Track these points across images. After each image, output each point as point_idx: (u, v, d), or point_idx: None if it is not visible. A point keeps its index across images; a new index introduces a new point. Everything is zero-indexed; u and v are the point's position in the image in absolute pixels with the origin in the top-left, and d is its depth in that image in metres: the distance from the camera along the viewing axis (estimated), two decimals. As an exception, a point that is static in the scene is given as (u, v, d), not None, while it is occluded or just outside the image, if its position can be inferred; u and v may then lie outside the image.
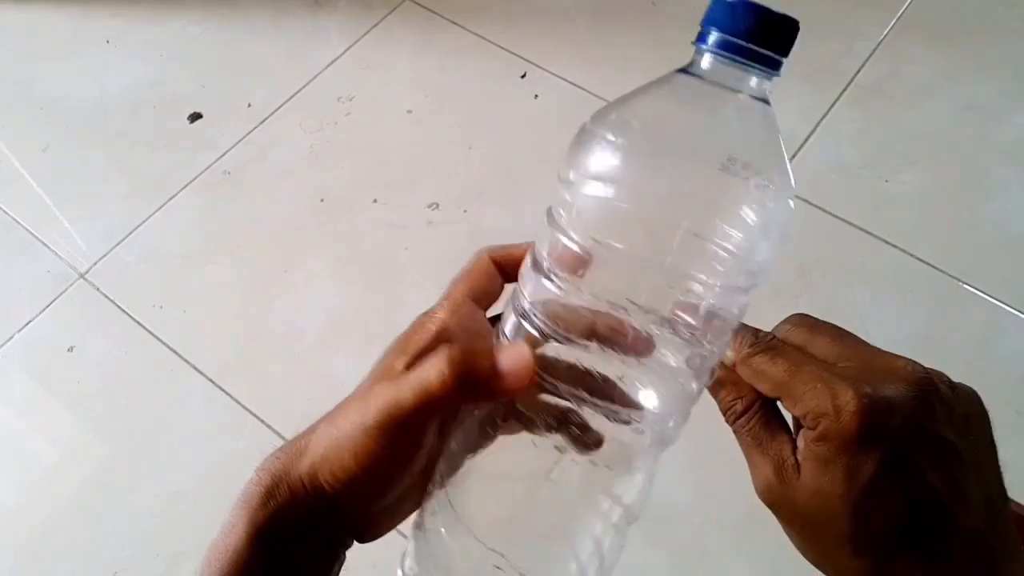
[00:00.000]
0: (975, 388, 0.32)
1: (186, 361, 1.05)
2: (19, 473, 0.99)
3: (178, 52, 1.37)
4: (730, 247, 0.27)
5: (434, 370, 0.29)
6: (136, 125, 1.28)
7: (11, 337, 1.08)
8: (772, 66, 0.28)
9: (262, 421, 0.97)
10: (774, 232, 0.28)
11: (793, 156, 1.17)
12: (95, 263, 1.14)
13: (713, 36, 0.27)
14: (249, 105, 1.29)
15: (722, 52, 0.27)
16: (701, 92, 0.28)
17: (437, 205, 1.16)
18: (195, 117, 1.28)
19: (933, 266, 1.05)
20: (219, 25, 1.40)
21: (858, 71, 1.25)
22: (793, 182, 0.29)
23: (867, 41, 1.28)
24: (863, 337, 0.33)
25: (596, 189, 0.28)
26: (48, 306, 1.11)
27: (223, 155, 1.24)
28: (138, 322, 1.08)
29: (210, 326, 1.08)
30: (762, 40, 0.28)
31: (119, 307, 1.10)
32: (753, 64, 0.28)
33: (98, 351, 1.07)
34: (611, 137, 0.28)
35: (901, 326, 0.99)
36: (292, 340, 1.06)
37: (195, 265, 1.13)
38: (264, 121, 1.27)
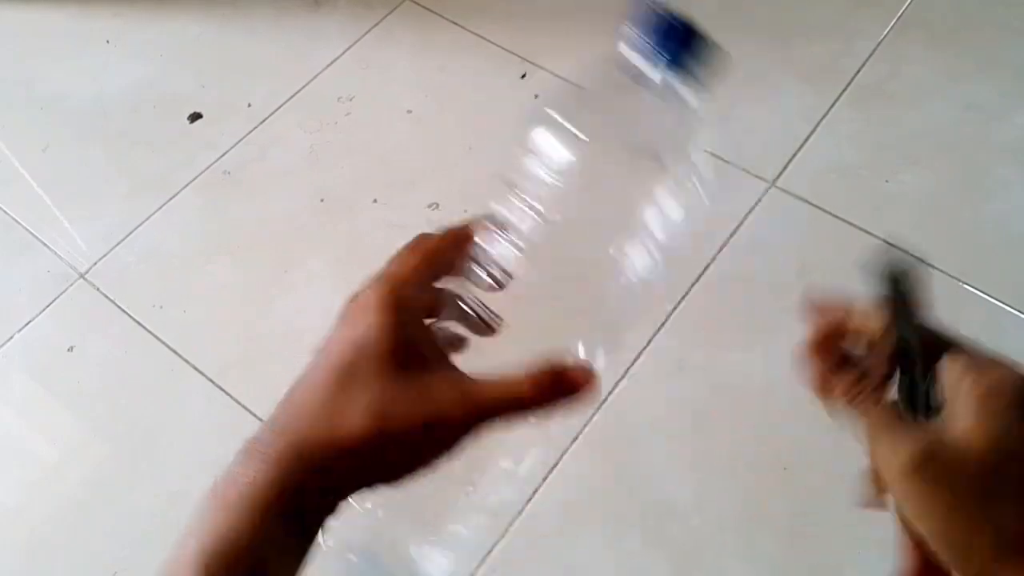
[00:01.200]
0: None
1: (186, 361, 1.05)
2: (19, 473, 0.99)
3: (178, 52, 1.37)
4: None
5: (526, 383, 0.31)
6: (136, 125, 1.28)
7: (11, 337, 1.08)
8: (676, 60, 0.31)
9: (262, 421, 0.97)
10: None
11: (793, 156, 1.17)
12: (95, 263, 1.14)
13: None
14: (249, 105, 1.29)
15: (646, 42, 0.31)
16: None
17: (437, 205, 1.16)
18: (195, 117, 1.28)
19: (933, 266, 1.05)
20: (219, 25, 1.40)
21: (858, 71, 1.25)
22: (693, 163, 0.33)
23: (867, 41, 1.28)
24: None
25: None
26: (48, 306, 1.11)
27: (223, 155, 1.24)
28: (138, 322, 1.08)
29: (210, 326, 1.08)
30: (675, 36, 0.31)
31: (119, 307, 1.10)
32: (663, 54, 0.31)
33: (98, 351, 1.07)
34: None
35: (901, 326, 0.99)
36: (292, 340, 1.06)
37: (195, 265, 1.13)
38: (264, 121, 1.27)
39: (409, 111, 1.27)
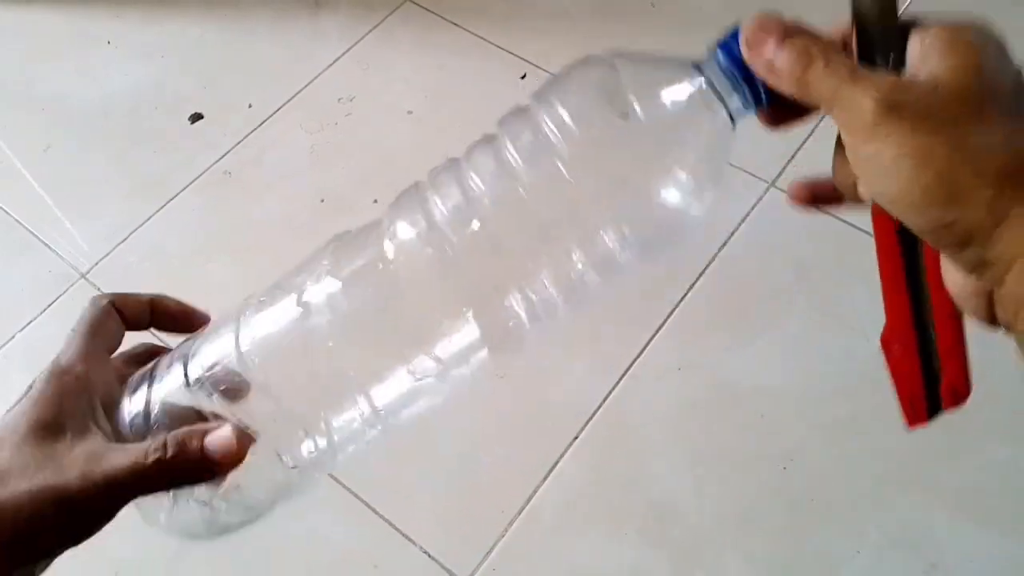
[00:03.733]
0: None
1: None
2: (20, 473, 0.99)
3: (179, 53, 1.37)
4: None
5: (151, 452, 0.31)
6: (137, 126, 1.29)
7: (12, 337, 1.09)
8: (756, 101, 0.30)
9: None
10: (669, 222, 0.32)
11: (792, 156, 1.17)
12: (96, 263, 1.14)
13: (726, 54, 0.29)
14: (250, 106, 1.29)
15: (730, 69, 0.29)
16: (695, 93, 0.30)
17: (437, 205, 1.16)
18: (196, 118, 1.29)
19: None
20: (220, 26, 1.40)
21: (858, 71, 1.25)
22: (710, 194, 0.32)
23: (867, 41, 1.28)
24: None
25: None
26: (49, 306, 1.11)
27: (224, 155, 1.24)
28: (139, 322, 1.08)
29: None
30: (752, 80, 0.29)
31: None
32: (745, 91, 0.30)
33: (99, 351, 1.07)
34: None
35: (901, 326, 0.99)
36: (292, 340, 1.06)
37: (196, 265, 1.13)
38: (265, 122, 1.27)
39: (409, 111, 1.27)
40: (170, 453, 0.31)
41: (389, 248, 0.36)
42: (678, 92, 0.30)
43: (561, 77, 0.32)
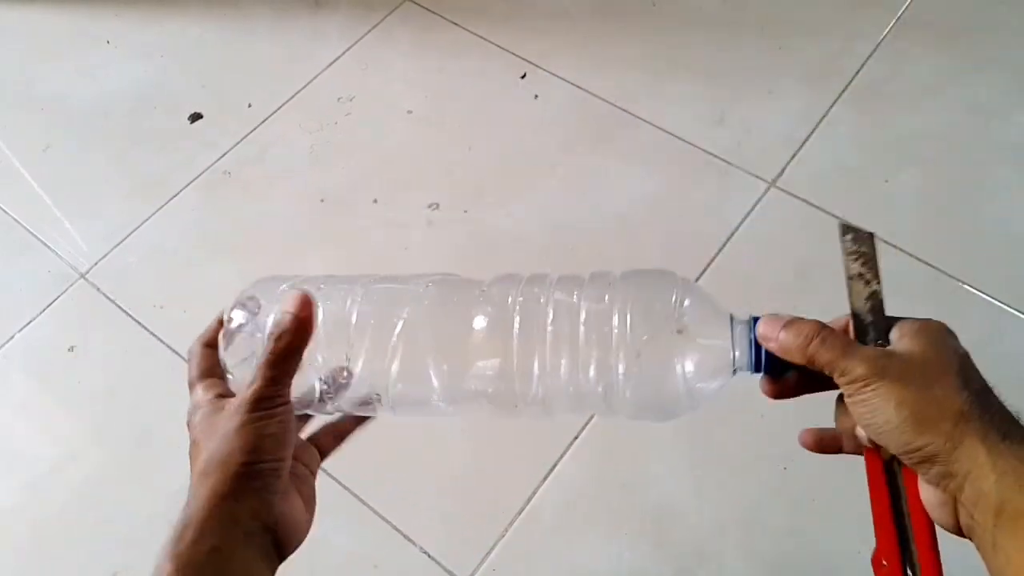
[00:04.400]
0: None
1: (186, 361, 1.05)
2: (18, 473, 0.99)
3: (178, 53, 1.37)
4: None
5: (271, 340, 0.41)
6: (137, 125, 1.28)
7: (12, 337, 1.08)
8: (757, 367, 0.41)
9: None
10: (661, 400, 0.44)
11: (792, 156, 1.17)
12: (96, 263, 1.14)
13: (746, 361, 0.42)
14: (249, 105, 1.29)
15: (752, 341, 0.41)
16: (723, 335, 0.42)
17: (437, 205, 1.16)
18: (195, 117, 1.29)
19: (933, 266, 1.05)
20: (219, 26, 1.40)
21: (858, 71, 1.25)
22: (694, 407, 0.44)
23: (867, 41, 1.28)
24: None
25: None
26: (49, 306, 1.11)
27: (223, 155, 1.24)
28: (138, 322, 1.08)
29: (210, 326, 1.08)
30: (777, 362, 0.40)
31: (119, 307, 1.10)
32: (752, 357, 0.41)
33: (98, 351, 1.07)
34: None
35: (901, 326, 0.99)
36: (292, 340, 1.06)
37: (196, 265, 1.13)
38: (264, 121, 1.27)
39: (409, 111, 1.27)
40: (276, 331, 0.40)
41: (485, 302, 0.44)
42: (716, 333, 0.42)
43: (648, 276, 0.44)
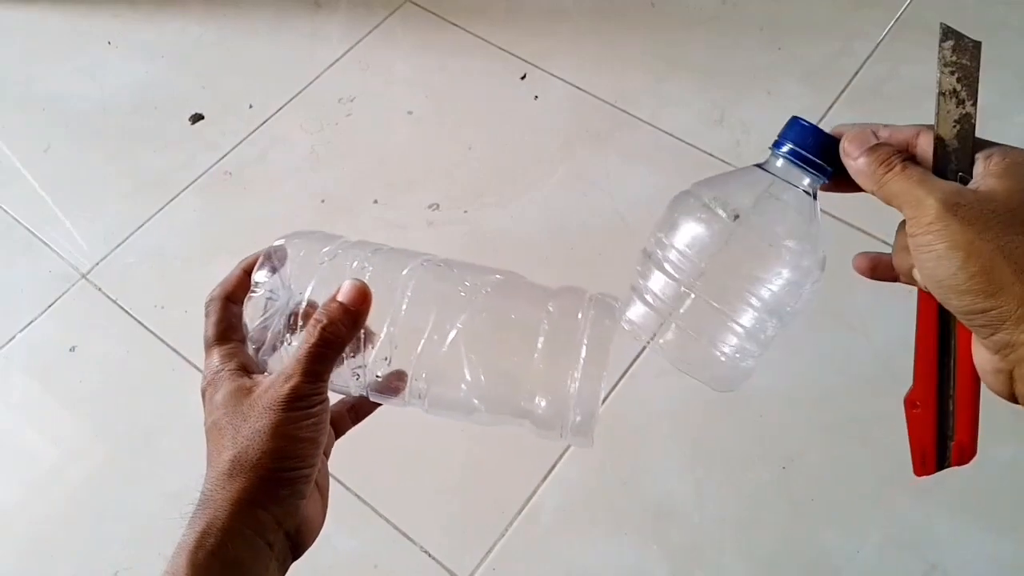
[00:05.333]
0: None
1: (187, 361, 1.05)
2: (19, 473, 0.99)
3: (179, 53, 1.37)
4: (755, 293, 0.37)
5: (311, 328, 0.37)
6: (137, 126, 1.29)
7: (13, 337, 1.09)
8: (823, 174, 0.37)
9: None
10: (796, 284, 0.37)
11: (793, 156, 1.17)
12: (97, 263, 1.14)
13: (787, 146, 0.37)
14: (250, 106, 1.29)
15: (792, 158, 0.37)
16: (770, 182, 0.37)
17: (437, 205, 1.16)
18: (196, 118, 1.29)
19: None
20: (220, 26, 1.40)
21: (857, 71, 1.25)
22: (820, 265, 0.37)
23: (866, 41, 1.28)
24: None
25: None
26: (50, 306, 1.11)
27: (224, 156, 1.24)
28: (140, 322, 1.08)
29: (211, 326, 1.08)
30: (820, 154, 0.37)
31: (121, 307, 1.10)
32: (810, 169, 0.37)
33: (99, 351, 1.07)
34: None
35: (901, 327, 0.99)
36: (293, 340, 1.06)
37: (196, 265, 1.13)
38: (265, 122, 1.27)
39: (409, 112, 1.27)
40: (325, 320, 0.36)
41: (551, 308, 0.42)
42: (760, 188, 0.37)
43: (669, 216, 0.40)
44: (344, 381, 0.42)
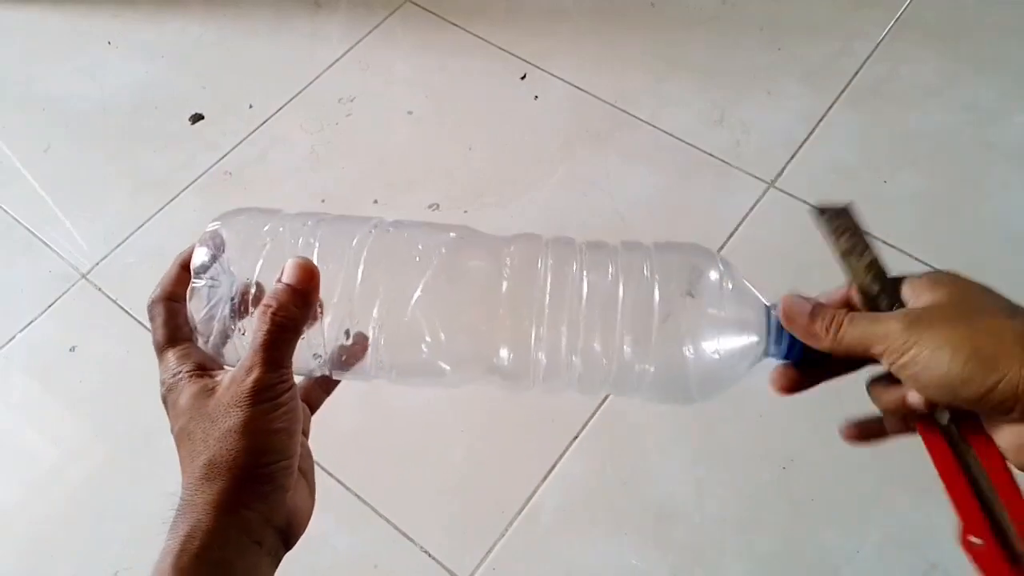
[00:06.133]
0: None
1: (150, 320, 1.05)
2: (19, 473, 0.99)
3: (179, 53, 1.37)
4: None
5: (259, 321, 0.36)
6: (137, 126, 1.29)
7: (13, 337, 1.09)
8: (788, 355, 0.38)
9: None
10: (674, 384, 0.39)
11: (792, 157, 1.17)
12: (97, 263, 1.14)
13: (781, 349, 0.38)
14: (250, 106, 1.29)
15: (776, 352, 0.38)
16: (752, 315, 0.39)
17: (437, 205, 1.16)
18: (196, 118, 1.29)
19: (932, 266, 1.05)
20: (220, 26, 1.40)
21: (857, 72, 1.25)
22: (708, 394, 0.39)
23: (866, 42, 1.28)
24: None
25: None
26: (50, 306, 1.11)
27: (224, 156, 1.24)
28: (140, 322, 1.08)
29: (211, 326, 1.08)
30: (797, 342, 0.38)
31: (121, 307, 1.10)
32: (782, 344, 0.38)
33: (99, 351, 1.07)
34: None
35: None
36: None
37: (196, 265, 1.13)
38: (265, 122, 1.27)
39: (409, 112, 1.27)
40: (274, 305, 0.35)
41: (507, 263, 0.41)
42: (745, 310, 0.39)
43: (679, 246, 0.41)
44: (306, 364, 0.40)
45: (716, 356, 0.38)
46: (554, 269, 0.39)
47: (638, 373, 0.38)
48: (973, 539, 0.34)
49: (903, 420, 0.37)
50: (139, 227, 1.18)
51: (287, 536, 0.37)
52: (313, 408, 0.44)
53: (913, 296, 0.35)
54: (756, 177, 1.15)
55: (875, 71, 1.25)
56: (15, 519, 0.96)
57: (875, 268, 0.37)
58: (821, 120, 1.21)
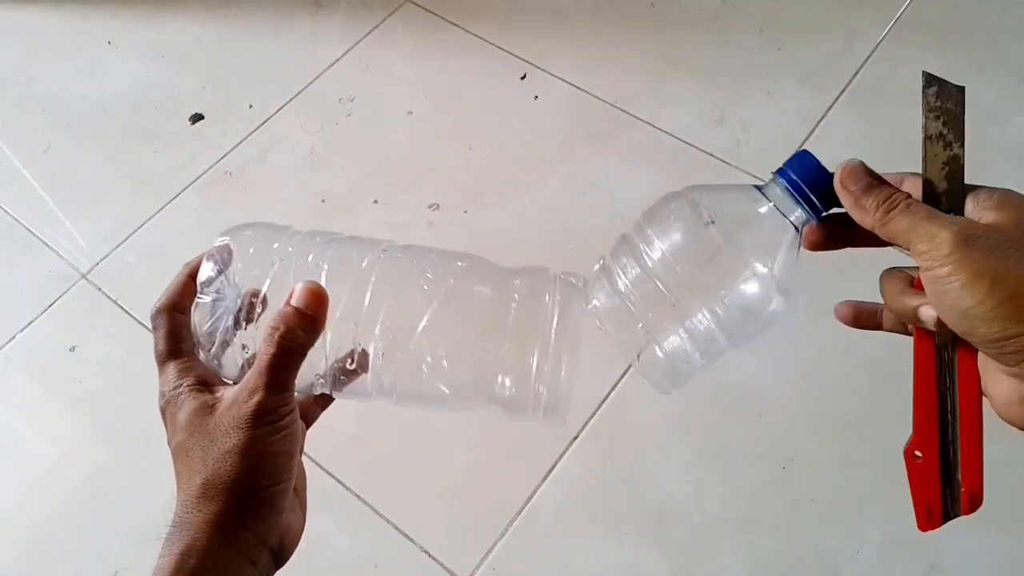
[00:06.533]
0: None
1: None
2: (19, 473, 0.99)
3: (179, 53, 1.37)
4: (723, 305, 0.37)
5: (267, 341, 0.36)
6: (137, 126, 1.29)
7: (13, 337, 1.09)
8: (815, 212, 0.37)
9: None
10: (755, 307, 0.38)
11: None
12: (97, 263, 1.14)
13: (790, 176, 0.36)
14: (250, 106, 1.29)
15: (791, 188, 0.36)
16: (764, 207, 0.38)
17: (437, 205, 1.16)
18: (196, 118, 1.29)
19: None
20: (220, 26, 1.40)
21: (857, 72, 1.25)
22: (784, 296, 0.38)
23: (866, 42, 1.28)
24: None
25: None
26: (50, 306, 1.11)
27: (224, 156, 1.24)
28: (140, 322, 1.08)
29: (211, 326, 1.08)
30: (819, 193, 0.36)
31: (121, 307, 1.10)
32: (804, 204, 0.36)
33: (99, 351, 1.07)
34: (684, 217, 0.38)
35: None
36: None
37: (196, 265, 1.13)
38: (265, 122, 1.27)
39: (410, 112, 1.27)
40: (282, 328, 0.35)
41: (515, 296, 0.41)
42: (750, 207, 0.37)
43: (652, 209, 0.39)
44: (307, 382, 0.40)
45: (769, 263, 0.37)
46: (562, 304, 0.39)
47: (708, 328, 0.37)
48: (917, 452, 0.34)
49: (901, 323, 0.36)
50: (139, 227, 1.18)
51: (279, 556, 0.37)
52: (309, 423, 0.44)
53: (976, 208, 0.32)
54: (756, 177, 1.15)
55: (875, 71, 1.25)
56: (15, 519, 0.96)
57: (953, 166, 0.34)
58: (821, 120, 1.21)
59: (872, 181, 0.34)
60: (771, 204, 0.37)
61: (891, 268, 0.35)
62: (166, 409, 0.38)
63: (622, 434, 0.96)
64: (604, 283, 0.39)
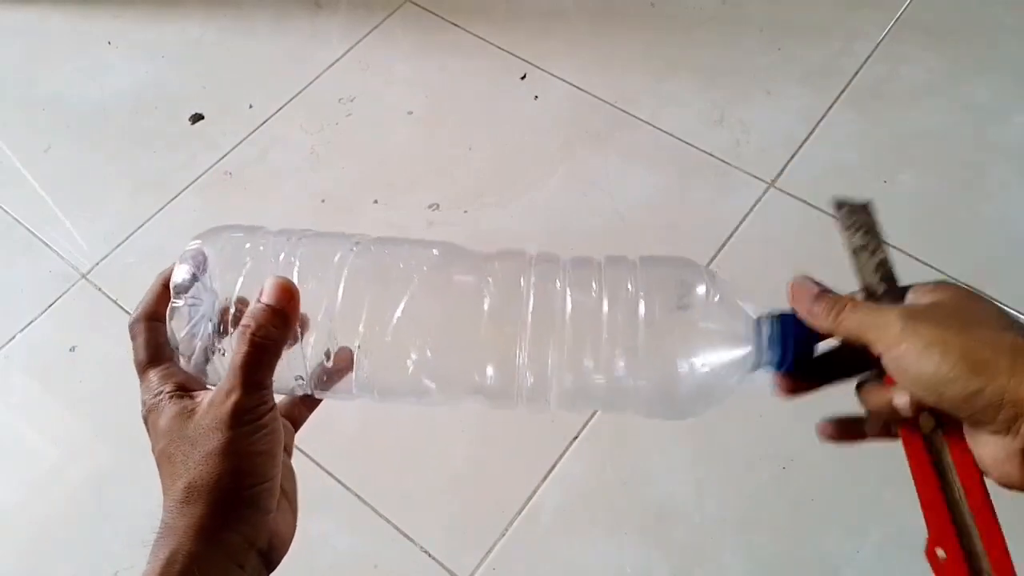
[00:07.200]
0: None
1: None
2: (19, 473, 0.99)
3: (179, 53, 1.37)
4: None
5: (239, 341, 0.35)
6: (137, 126, 1.29)
7: (13, 337, 1.09)
8: (778, 367, 0.39)
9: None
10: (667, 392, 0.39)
11: (792, 157, 1.17)
12: (97, 263, 1.14)
13: (773, 359, 0.39)
14: (250, 106, 1.29)
15: (770, 362, 0.39)
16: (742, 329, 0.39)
17: (437, 206, 1.16)
18: (196, 118, 1.29)
19: (932, 266, 1.05)
20: (220, 26, 1.40)
21: (857, 72, 1.25)
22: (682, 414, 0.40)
23: (866, 42, 1.28)
24: None
25: None
26: (50, 306, 1.11)
27: (224, 156, 1.24)
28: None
29: (211, 326, 1.08)
30: (793, 356, 0.39)
31: (121, 307, 1.10)
32: (774, 361, 0.39)
33: (99, 351, 1.07)
34: None
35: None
36: (293, 340, 1.06)
37: (196, 265, 1.13)
38: (265, 122, 1.27)
39: (409, 112, 1.27)
40: (253, 325, 0.35)
41: (489, 280, 0.40)
42: (735, 322, 0.39)
43: (664, 259, 0.41)
44: (288, 383, 0.40)
45: (707, 369, 0.38)
46: (537, 287, 0.39)
47: (630, 388, 0.38)
48: (939, 551, 0.33)
49: (885, 425, 0.38)
50: (139, 227, 1.18)
51: (269, 559, 0.36)
52: (297, 425, 0.43)
53: (915, 299, 0.36)
54: (756, 177, 1.15)
55: (875, 71, 1.25)
56: (15, 519, 0.96)
57: (884, 269, 0.37)
58: (821, 120, 1.21)
59: (820, 291, 0.37)
60: (752, 344, 0.39)
61: (861, 378, 0.38)
62: (148, 417, 0.38)
63: (622, 434, 0.96)
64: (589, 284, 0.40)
